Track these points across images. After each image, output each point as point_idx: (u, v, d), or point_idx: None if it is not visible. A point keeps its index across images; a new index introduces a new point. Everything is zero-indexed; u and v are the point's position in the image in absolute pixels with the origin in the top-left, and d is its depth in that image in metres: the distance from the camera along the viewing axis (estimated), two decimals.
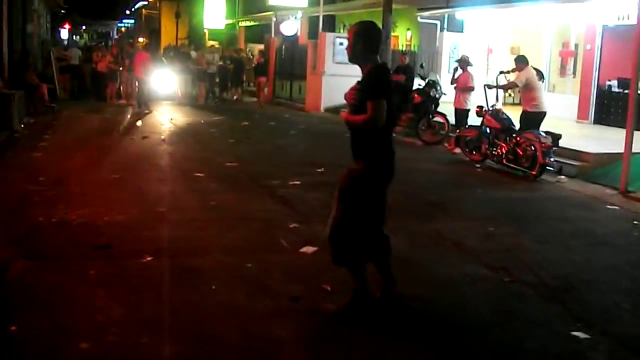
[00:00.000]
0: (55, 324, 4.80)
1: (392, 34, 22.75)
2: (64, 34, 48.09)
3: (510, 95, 20.65)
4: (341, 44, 22.98)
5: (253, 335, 4.79)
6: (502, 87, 12.97)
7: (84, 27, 66.60)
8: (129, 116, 19.09)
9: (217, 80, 25.72)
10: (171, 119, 18.39)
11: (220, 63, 26.21)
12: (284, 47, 28.02)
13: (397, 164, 5.21)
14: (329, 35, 23.62)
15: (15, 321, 4.79)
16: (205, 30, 43.41)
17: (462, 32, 23.21)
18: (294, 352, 4.68)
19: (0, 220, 7.34)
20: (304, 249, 6.81)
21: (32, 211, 7.83)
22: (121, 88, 23.34)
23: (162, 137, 14.71)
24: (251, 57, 26.96)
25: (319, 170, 11.29)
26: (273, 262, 6.44)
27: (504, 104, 17.01)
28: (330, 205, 5.25)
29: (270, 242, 7.08)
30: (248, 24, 39.33)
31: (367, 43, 5.20)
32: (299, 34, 30.96)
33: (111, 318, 4.95)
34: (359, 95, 5.10)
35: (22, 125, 15.19)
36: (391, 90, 5.18)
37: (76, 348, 4.45)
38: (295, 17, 30.24)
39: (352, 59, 5.34)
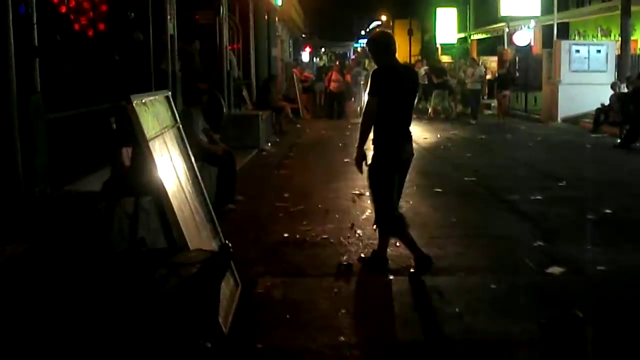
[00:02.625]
0: (298, 344, 4.72)
1: (632, 37, 21.14)
2: (305, 56, 50.01)
3: None
4: (577, 51, 21.76)
5: None
6: None
7: (322, 49, 68.88)
8: None
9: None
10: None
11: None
12: (517, 58, 27.07)
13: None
14: (564, 43, 22.39)
15: (261, 338, 4.78)
16: (438, 46, 43.15)
17: None
18: None
19: (251, 236, 7.49)
20: (551, 270, 6.30)
21: (278, 227, 7.95)
22: (358, 108, 23.58)
23: None
24: (483, 69, 26.05)
25: (560, 184, 10.58)
26: (518, 283, 6.00)
27: None
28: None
29: (514, 262, 6.61)
30: (480, 36, 38.56)
31: (382, 47, 6.24)
32: (532, 43, 29.76)
33: (354, 339, 4.79)
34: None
35: (269, 144, 15.77)
36: (397, 88, 6.03)
37: None
38: (528, 27, 29.11)
39: (373, 59, 6.53)
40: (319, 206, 9.05)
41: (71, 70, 9.31)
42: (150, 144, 4.57)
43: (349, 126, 21.06)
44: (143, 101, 4.72)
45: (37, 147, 5.55)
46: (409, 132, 6.36)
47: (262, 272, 6.23)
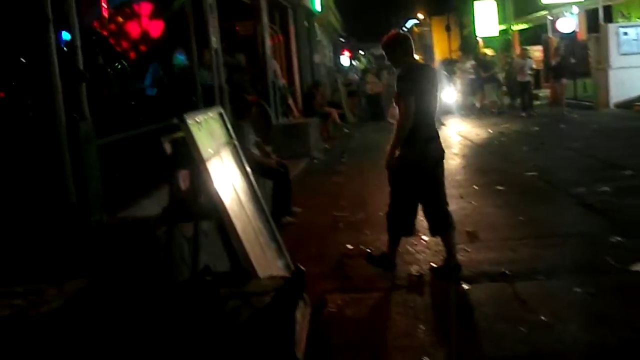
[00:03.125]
0: None
1: None
2: (345, 60, 49.70)
3: None
4: (625, 33, 21.00)
5: None
6: None
7: (361, 52, 68.57)
8: None
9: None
10: (458, 132, 17.82)
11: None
12: (562, 45, 26.33)
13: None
14: (612, 27, 21.60)
15: None
16: (479, 39, 42.41)
17: None
18: None
19: (313, 250, 7.19)
20: (636, 267, 5.85)
21: (340, 238, 7.64)
22: None
23: (454, 150, 14.10)
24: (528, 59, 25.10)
25: (626, 173, 10.05)
26: (603, 284, 5.57)
27: None
28: None
29: (594, 260, 6.18)
30: (521, 27, 37.75)
31: (399, 49, 6.04)
32: (577, 29, 28.97)
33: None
34: (394, 95, 6.04)
35: (319, 152, 15.47)
36: (423, 87, 5.90)
37: None
38: (571, 13, 28.33)
39: (391, 63, 6.31)
40: (379, 213, 8.68)
41: (118, 93, 9.19)
42: (208, 164, 4.29)
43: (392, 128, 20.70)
44: (197, 120, 4.44)
45: (89, 175, 5.33)
46: (435, 130, 6.17)
47: (331, 289, 5.92)
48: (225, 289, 3.63)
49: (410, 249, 6.92)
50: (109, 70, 9.43)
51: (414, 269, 6.30)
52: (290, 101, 17.11)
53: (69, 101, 5.39)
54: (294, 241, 7.35)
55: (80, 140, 5.23)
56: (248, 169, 5.32)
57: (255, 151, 8.68)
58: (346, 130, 19.35)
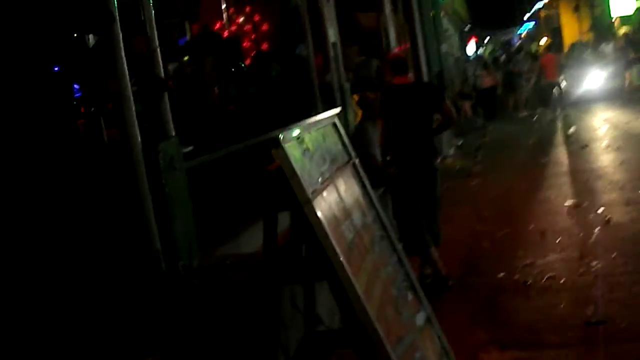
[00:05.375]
0: None
1: None
2: (470, 48, 47.42)
3: None
4: None
5: None
6: None
7: (487, 39, 65.87)
8: (549, 124, 16.71)
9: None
10: (605, 119, 15.64)
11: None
12: None
13: None
14: None
15: None
16: (614, 19, 39.16)
17: None
18: None
19: (454, 280, 5.78)
20: None
21: (487, 264, 6.19)
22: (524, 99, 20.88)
23: (605, 142, 12.12)
24: None
25: None
26: None
27: None
28: None
29: None
30: None
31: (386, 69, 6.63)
32: None
33: None
34: None
35: (452, 149, 13.90)
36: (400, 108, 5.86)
37: None
38: None
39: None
40: (530, 227, 7.14)
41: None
42: (316, 202, 2.99)
43: (519, 119, 18.73)
44: (299, 137, 3.14)
45: (175, 209, 4.15)
46: (423, 148, 5.88)
47: (483, 341, 4.50)
48: None
49: (579, 279, 5.38)
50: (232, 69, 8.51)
51: (588, 311, 4.74)
52: None
53: (148, 117, 4.29)
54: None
55: (160, 167, 4.06)
56: (373, 194, 3.98)
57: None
58: (480, 121, 17.64)
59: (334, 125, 3.87)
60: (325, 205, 3.13)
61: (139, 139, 3.98)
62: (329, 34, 8.41)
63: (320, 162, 3.31)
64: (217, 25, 11.61)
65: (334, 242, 2.95)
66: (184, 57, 8.71)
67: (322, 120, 3.77)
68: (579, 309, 4.78)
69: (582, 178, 9.29)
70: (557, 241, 6.46)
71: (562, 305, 4.90)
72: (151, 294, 3.96)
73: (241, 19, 12.23)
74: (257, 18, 12.18)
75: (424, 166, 5.87)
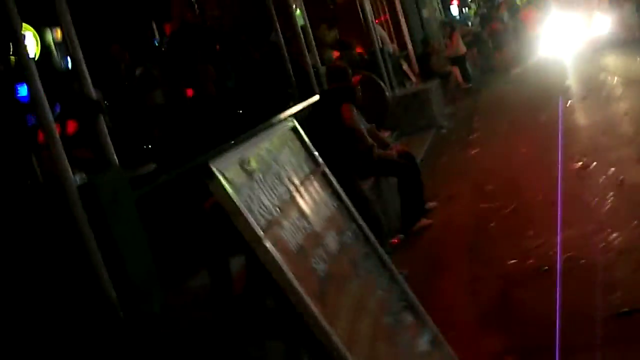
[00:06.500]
0: None
1: None
2: (454, 9, 46.47)
3: None
4: None
5: None
6: None
7: None
8: (542, 78, 15.80)
9: None
10: (600, 67, 14.82)
11: None
12: None
13: None
14: None
15: None
16: None
17: None
18: None
19: (459, 270, 5.18)
20: None
21: (495, 247, 5.56)
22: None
23: (605, 92, 11.35)
24: None
25: None
26: None
27: None
28: None
29: None
30: None
31: None
32: None
33: None
34: None
35: (445, 118, 13.21)
36: None
37: None
38: None
39: None
40: (539, 198, 6.50)
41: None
42: (272, 238, 2.37)
43: (512, 78, 17.89)
44: (241, 160, 2.50)
45: (126, 247, 3.54)
46: None
47: (500, 350, 3.87)
48: None
49: (600, 257, 4.73)
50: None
51: (616, 298, 4.09)
52: (406, 67, 14.81)
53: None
54: (433, 256, 5.53)
55: (102, 204, 3.44)
56: (350, 204, 3.34)
57: None
58: (470, 86, 16.91)
59: (294, 129, 3.23)
60: (285, 238, 2.50)
61: (72, 174, 3.37)
62: (296, 16, 7.76)
63: (274, 182, 2.67)
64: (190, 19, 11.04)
65: (300, 288, 2.32)
66: (169, 55, 8.11)
67: (274, 128, 3.11)
68: (606, 297, 4.12)
69: (586, 134, 8.63)
70: (569, 213, 5.78)
71: (586, 294, 4.23)
72: (110, 346, 3.39)
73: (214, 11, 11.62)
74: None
75: None
